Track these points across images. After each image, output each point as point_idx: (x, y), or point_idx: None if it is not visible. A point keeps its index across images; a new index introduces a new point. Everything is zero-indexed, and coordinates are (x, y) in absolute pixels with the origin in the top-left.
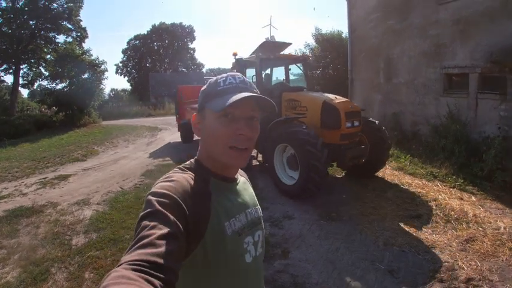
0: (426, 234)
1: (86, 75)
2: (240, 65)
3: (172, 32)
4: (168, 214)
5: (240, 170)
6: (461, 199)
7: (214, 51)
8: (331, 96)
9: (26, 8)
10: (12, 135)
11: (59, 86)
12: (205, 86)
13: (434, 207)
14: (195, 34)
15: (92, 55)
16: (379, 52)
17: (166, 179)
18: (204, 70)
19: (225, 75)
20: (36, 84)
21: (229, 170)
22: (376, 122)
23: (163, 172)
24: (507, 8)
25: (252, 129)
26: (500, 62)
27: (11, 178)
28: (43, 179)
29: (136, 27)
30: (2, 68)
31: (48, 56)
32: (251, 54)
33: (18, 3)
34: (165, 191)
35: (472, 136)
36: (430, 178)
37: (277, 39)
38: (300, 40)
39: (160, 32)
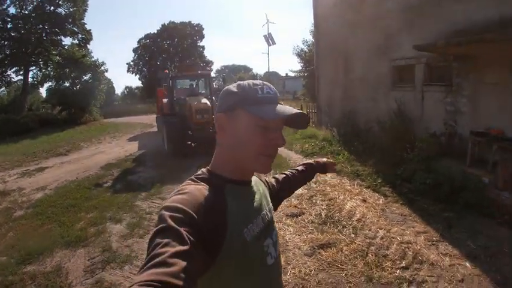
0: (288, 234)
1: (87, 77)
2: (163, 79)
3: (181, 31)
4: (182, 230)
5: None
6: (364, 201)
7: (224, 49)
8: (200, 100)
9: (33, 14)
10: (15, 133)
11: (63, 87)
12: (235, 88)
13: (324, 206)
14: (204, 32)
15: (92, 57)
16: (339, 47)
17: (179, 192)
18: (213, 67)
19: (258, 82)
20: (45, 85)
21: (249, 175)
22: None
23: (120, 166)
24: None
25: (284, 140)
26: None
27: (0, 169)
28: (25, 170)
29: (146, 26)
30: (13, 70)
31: (57, 58)
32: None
33: (26, 10)
34: (178, 205)
35: (418, 133)
36: (352, 176)
37: (276, 34)
38: (300, 35)
39: (170, 30)
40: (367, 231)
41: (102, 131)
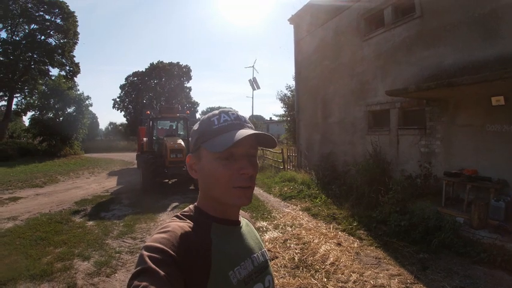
0: None
1: (71, 109)
2: (144, 119)
3: (169, 71)
4: (160, 272)
5: (241, 211)
6: (339, 244)
7: (210, 91)
8: (176, 140)
9: (24, 41)
10: None
11: (46, 117)
12: (197, 126)
13: (298, 250)
14: (191, 74)
15: (78, 90)
16: (318, 92)
17: (162, 230)
18: (198, 108)
19: (217, 112)
20: (28, 114)
21: (232, 212)
22: None
23: (94, 202)
24: (422, 36)
25: (254, 167)
26: (404, 92)
27: None
28: None
29: (134, 63)
30: None
31: (43, 88)
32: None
33: (17, 36)
34: (158, 245)
35: (394, 175)
36: (329, 220)
37: (261, 79)
38: (284, 80)
39: (158, 69)
40: (340, 275)
41: (81, 166)
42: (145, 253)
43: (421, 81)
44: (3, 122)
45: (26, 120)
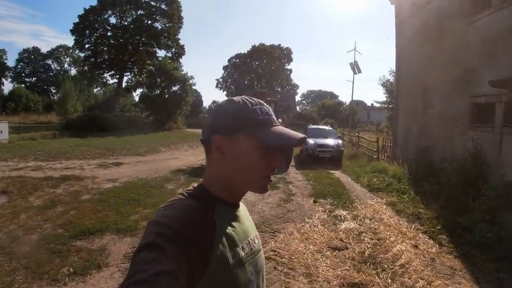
0: (324, 265)
1: (176, 87)
2: None
3: (270, 53)
4: (167, 247)
5: None
6: (416, 246)
7: (310, 74)
8: None
9: (132, 26)
10: (103, 129)
11: (153, 94)
12: (230, 108)
13: (370, 245)
14: (292, 56)
15: (183, 70)
16: (418, 80)
17: (168, 207)
18: (298, 91)
19: (255, 101)
20: (137, 91)
21: (240, 197)
22: None
23: (188, 172)
24: None
25: (284, 161)
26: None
27: (81, 158)
28: (103, 162)
29: (237, 45)
30: (110, 74)
31: (151, 68)
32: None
33: (125, 21)
34: (166, 221)
35: (493, 178)
36: (412, 219)
37: (363, 63)
38: (386, 65)
39: (260, 52)
40: (406, 279)
41: (182, 139)
42: (153, 228)
43: None
44: (115, 97)
45: (135, 96)
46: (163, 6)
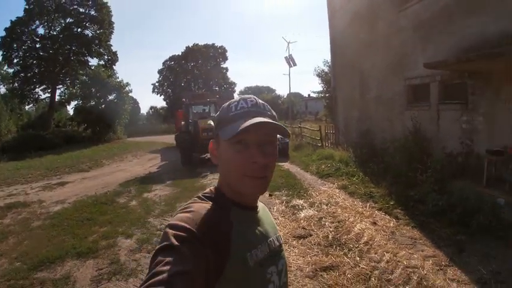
0: (293, 255)
1: (112, 96)
2: (183, 105)
3: (205, 53)
4: (185, 249)
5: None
6: (375, 223)
7: (246, 71)
8: (207, 121)
9: (61, 35)
10: (40, 148)
11: (88, 106)
12: (218, 112)
13: (332, 228)
14: (227, 54)
15: (117, 78)
16: (354, 67)
17: (185, 210)
18: (236, 88)
19: (237, 98)
20: (72, 103)
21: (248, 198)
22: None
23: (138, 182)
24: (463, 2)
25: (264, 156)
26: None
27: (23, 182)
28: (47, 184)
29: (170, 48)
30: (41, 88)
31: (84, 78)
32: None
33: (54, 30)
34: (182, 224)
35: (436, 153)
36: (365, 198)
37: (298, 55)
38: (321, 56)
39: (194, 52)
40: (373, 255)
41: (125, 150)
42: (170, 231)
43: (463, 53)
44: (48, 113)
45: (70, 109)
46: (92, 12)
